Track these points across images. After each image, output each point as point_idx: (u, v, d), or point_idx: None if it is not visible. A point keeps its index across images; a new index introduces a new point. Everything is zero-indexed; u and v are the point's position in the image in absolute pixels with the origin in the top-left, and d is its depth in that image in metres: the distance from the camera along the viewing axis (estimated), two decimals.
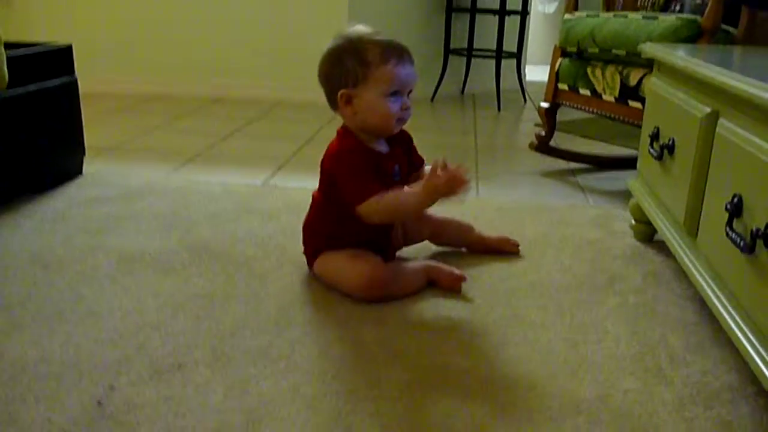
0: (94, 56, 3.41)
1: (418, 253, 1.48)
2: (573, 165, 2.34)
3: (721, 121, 1.06)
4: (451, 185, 1.15)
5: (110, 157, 2.25)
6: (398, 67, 1.22)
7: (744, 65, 1.29)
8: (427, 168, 1.29)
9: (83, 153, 1.99)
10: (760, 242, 0.85)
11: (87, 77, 3.40)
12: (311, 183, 1.99)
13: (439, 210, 1.37)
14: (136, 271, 1.36)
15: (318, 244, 1.35)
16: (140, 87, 3.43)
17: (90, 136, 2.09)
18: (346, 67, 1.23)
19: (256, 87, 3.40)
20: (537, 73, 4.24)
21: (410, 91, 1.27)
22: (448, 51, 3.53)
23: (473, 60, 3.71)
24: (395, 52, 1.22)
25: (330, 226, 1.33)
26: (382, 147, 1.31)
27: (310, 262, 1.37)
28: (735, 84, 0.98)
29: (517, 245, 1.51)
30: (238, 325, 1.16)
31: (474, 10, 3.47)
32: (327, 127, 2.82)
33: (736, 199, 0.95)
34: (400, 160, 1.33)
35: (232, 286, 1.31)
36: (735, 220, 0.94)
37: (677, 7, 2.06)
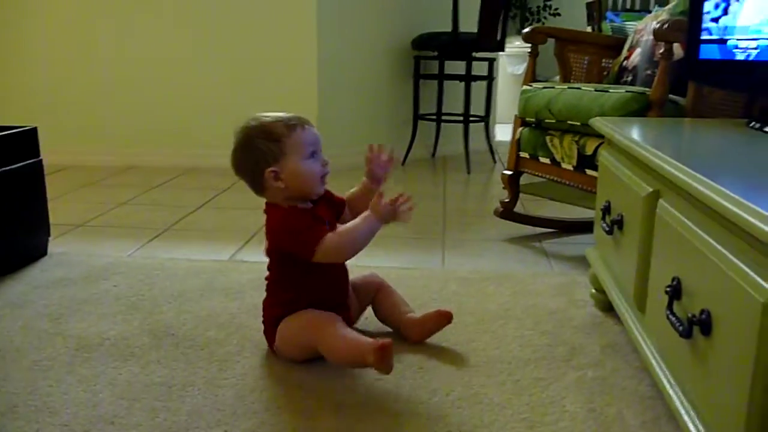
0: (63, 130, 3.45)
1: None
2: (539, 230, 2.38)
3: (661, 201, 1.10)
4: (394, 214, 1.29)
5: (76, 235, 2.25)
6: (305, 132, 1.32)
7: (683, 144, 1.33)
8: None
9: (48, 233, 1.99)
10: (696, 328, 0.87)
11: (57, 151, 3.43)
12: None
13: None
14: (95, 359, 1.35)
15: (277, 314, 1.36)
16: (112, 159, 3.45)
17: (57, 214, 2.10)
18: (260, 149, 1.31)
19: (228, 156, 3.42)
20: (508, 132, 4.32)
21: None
22: (417, 116, 3.60)
23: (443, 124, 3.78)
24: (295, 120, 1.33)
25: (285, 293, 1.37)
26: (308, 205, 1.38)
27: (271, 340, 1.37)
28: (669, 169, 1.01)
29: (449, 315, 1.44)
30: (195, 416, 1.15)
31: (441, 77, 3.56)
32: None
33: (675, 282, 0.97)
34: (329, 215, 1.39)
35: (192, 373, 1.31)
36: (675, 303, 0.97)
37: (629, 78, 2.13)
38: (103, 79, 3.48)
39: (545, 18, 6.14)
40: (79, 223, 2.38)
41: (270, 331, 1.37)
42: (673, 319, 0.93)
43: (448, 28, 3.40)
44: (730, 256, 0.81)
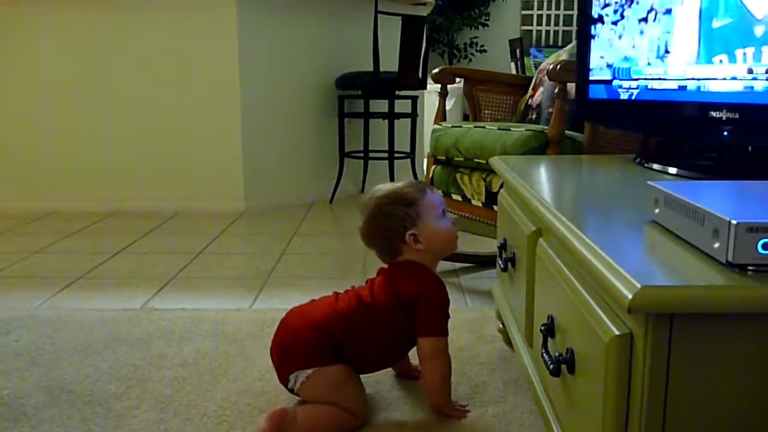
0: None
1: None
2: (458, 264, 2.41)
3: (540, 241, 1.13)
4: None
5: None
6: (433, 194, 1.37)
7: (567, 183, 1.39)
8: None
9: None
10: (564, 366, 0.90)
11: None
12: (192, 303, 2.00)
13: None
14: None
15: (329, 349, 1.27)
16: (29, 206, 3.35)
17: None
18: (397, 215, 1.32)
19: (152, 198, 3.38)
20: None
21: None
22: (343, 154, 3.64)
23: (371, 161, 3.82)
24: (423, 185, 1.37)
25: (365, 335, 1.30)
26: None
27: (298, 365, 1.27)
28: (544, 212, 1.05)
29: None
30: None
31: (367, 115, 3.61)
32: (222, 236, 2.83)
33: (549, 321, 1.00)
34: None
35: (85, 431, 1.27)
36: (550, 341, 0.99)
37: (534, 116, 2.21)
38: (20, 124, 3.40)
39: (472, 54, 6.32)
40: None
41: (310, 353, 1.27)
42: (546, 357, 0.96)
43: (371, 68, 3.46)
44: (587, 297, 0.84)
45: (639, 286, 0.64)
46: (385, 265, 1.39)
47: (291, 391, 1.29)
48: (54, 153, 3.41)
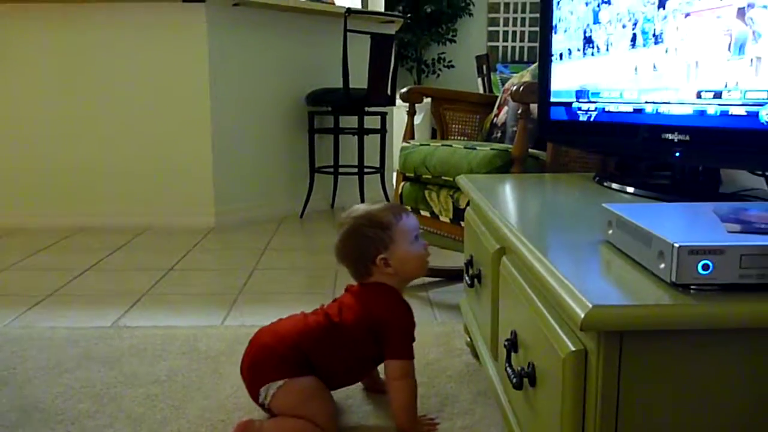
0: None
1: None
2: (427, 279, 2.46)
3: (504, 259, 1.18)
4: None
5: None
6: (409, 218, 1.40)
7: (528, 202, 1.44)
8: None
9: None
10: (526, 380, 0.95)
11: None
12: (164, 320, 2.02)
13: None
14: None
15: (299, 362, 1.31)
16: None
17: None
18: (371, 237, 1.35)
19: (122, 214, 3.38)
20: None
21: None
22: (313, 169, 3.67)
23: (341, 176, 3.86)
24: (399, 209, 1.41)
25: (334, 352, 1.34)
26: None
27: (269, 377, 1.30)
28: (506, 232, 1.10)
29: None
30: None
31: (337, 131, 3.66)
32: (192, 252, 2.84)
33: (513, 336, 1.05)
34: None
35: None
36: (513, 355, 1.04)
37: (498, 135, 2.27)
38: None
39: (440, 70, 6.41)
40: None
41: (278, 366, 1.31)
42: (510, 371, 1.01)
43: (341, 84, 3.51)
44: (546, 314, 0.89)
45: (590, 305, 0.70)
46: (355, 283, 1.43)
47: (262, 406, 1.32)
48: (22, 167, 3.39)
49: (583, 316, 0.69)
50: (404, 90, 2.34)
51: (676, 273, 0.73)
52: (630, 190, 1.45)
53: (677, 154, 1.38)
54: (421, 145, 2.20)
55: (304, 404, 1.29)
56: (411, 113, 2.36)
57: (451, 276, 2.46)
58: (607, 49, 1.54)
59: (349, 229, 1.38)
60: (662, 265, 0.76)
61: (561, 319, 0.84)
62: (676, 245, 0.72)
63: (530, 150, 1.95)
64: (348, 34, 3.41)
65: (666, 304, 0.71)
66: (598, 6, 1.55)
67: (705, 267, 0.72)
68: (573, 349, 0.77)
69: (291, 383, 1.28)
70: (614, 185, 1.50)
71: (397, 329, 1.35)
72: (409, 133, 2.33)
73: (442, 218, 2.12)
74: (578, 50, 1.63)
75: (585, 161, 1.98)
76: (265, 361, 1.32)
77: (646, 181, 1.51)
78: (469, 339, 1.73)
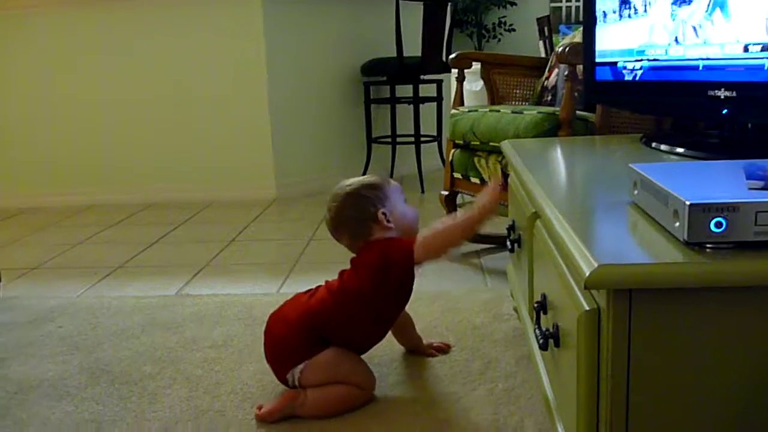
0: (17, 173, 3.52)
1: None
2: (479, 246, 2.47)
3: (537, 222, 1.18)
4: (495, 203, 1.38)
5: (29, 279, 2.32)
6: (395, 183, 1.48)
7: (567, 166, 1.43)
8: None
9: None
10: (551, 341, 0.96)
11: (12, 195, 3.51)
12: (223, 289, 2.11)
13: None
14: (31, 401, 1.42)
15: (313, 343, 1.34)
16: (70, 199, 3.52)
17: (11, 258, 2.15)
18: (368, 197, 1.41)
19: (186, 190, 3.51)
20: None
21: None
22: (370, 140, 3.70)
23: (398, 145, 3.88)
24: (384, 177, 1.50)
25: (346, 322, 1.36)
26: None
27: (289, 365, 1.35)
28: (536, 196, 1.10)
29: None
30: None
31: (393, 100, 3.67)
32: (254, 224, 2.93)
33: (542, 298, 1.06)
34: None
35: (122, 408, 1.38)
36: (542, 317, 1.05)
37: (549, 98, 2.24)
38: (57, 120, 3.55)
39: (501, 34, 6.29)
40: (33, 266, 2.44)
41: (302, 344, 1.35)
42: (537, 332, 1.02)
43: (395, 54, 3.50)
44: (568, 276, 0.89)
45: (596, 264, 0.70)
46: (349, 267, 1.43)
47: (294, 387, 1.36)
48: (91, 149, 3.56)
49: (588, 274, 0.70)
50: (453, 56, 2.33)
51: (687, 231, 0.72)
52: (679, 150, 1.41)
53: (724, 111, 1.34)
54: (470, 111, 2.19)
55: (334, 373, 1.33)
56: (460, 79, 2.35)
57: (502, 242, 2.45)
58: (651, 6, 1.49)
59: (345, 195, 1.41)
60: (677, 224, 0.75)
61: (577, 283, 0.85)
62: (688, 203, 0.72)
63: (579, 112, 1.92)
64: (400, 2, 3.39)
65: (673, 262, 0.70)
66: None
67: (718, 225, 0.71)
68: (587, 308, 0.78)
69: (311, 363, 1.33)
70: (663, 146, 1.47)
71: (391, 253, 1.36)
72: (459, 100, 2.32)
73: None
74: (623, 9, 1.59)
75: (636, 123, 1.93)
76: (281, 351, 1.37)
77: (694, 141, 1.46)
78: (516, 304, 1.74)
